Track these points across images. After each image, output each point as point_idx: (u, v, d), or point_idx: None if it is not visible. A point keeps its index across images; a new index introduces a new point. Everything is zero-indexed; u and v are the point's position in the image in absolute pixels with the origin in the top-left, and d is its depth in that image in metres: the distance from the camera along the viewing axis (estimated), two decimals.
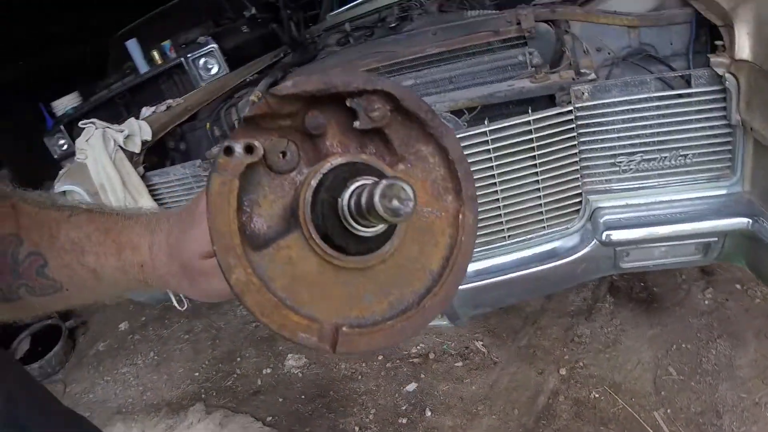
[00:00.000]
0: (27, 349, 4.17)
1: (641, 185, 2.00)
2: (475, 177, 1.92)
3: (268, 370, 3.19)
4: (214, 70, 4.23)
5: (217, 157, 0.46)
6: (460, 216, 0.54)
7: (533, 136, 1.89)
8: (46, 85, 7.15)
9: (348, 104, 0.49)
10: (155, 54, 4.66)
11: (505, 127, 1.88)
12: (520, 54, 2.13)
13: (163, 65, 4.44)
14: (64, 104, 4.95)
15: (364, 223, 0.46)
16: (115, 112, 4.66)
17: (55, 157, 4.02)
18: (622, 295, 2.99)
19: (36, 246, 0.67)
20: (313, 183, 0.48)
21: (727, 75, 1.78)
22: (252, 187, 0.49)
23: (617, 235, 1.97)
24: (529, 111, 1.88)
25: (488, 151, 1.90)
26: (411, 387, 2.90)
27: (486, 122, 1.88)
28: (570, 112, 1.89)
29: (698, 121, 1.88)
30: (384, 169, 0.50)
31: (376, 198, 0.41)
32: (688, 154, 1.94)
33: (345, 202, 0.46)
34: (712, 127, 1.88)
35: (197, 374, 3.35)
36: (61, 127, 4.62)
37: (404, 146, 0.52)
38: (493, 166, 1.92)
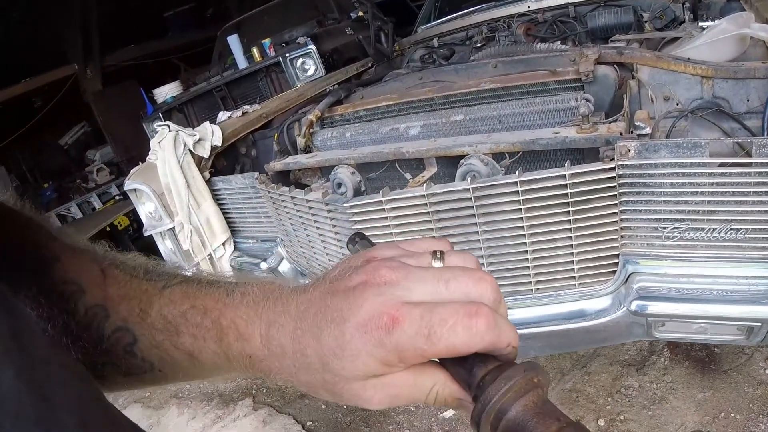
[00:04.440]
0: None
1: (685, 255, 1.84)
2: (503, 226, 1.86)
3: None
4: (311, 71, 4.32)
5: None
6: None
7: (568, 191, 1.77)
8: (152, 70, 7.61)
9: None
10: (255, 51, 4.77)
11: (537, 179, 1.79)
12: (573, 99, 2.04)
13: (261, 63, 4.58)
14: (165, 92, 5.21)
15: None
16: (211, 103, 4.88)
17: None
18: (681, 351, 2.81)
19: (124, 321, 0.59)
20: None
21: None
22: None
23: (651, 307, 1.83)
24: (566, 164, 1.79)
25: (518, 201, 1.82)
26: (448, 414, 2.89)
27: (517, 172, 1.81)
28: (612, 169, 1.76)
29: (756, 194, 1.68)
30: None
31: None
32: (740, 229, 1.75)
33: None
34: None
35: None
36: (160, 114, 4.88)
37: None
38: (522, 217, 1.84)
